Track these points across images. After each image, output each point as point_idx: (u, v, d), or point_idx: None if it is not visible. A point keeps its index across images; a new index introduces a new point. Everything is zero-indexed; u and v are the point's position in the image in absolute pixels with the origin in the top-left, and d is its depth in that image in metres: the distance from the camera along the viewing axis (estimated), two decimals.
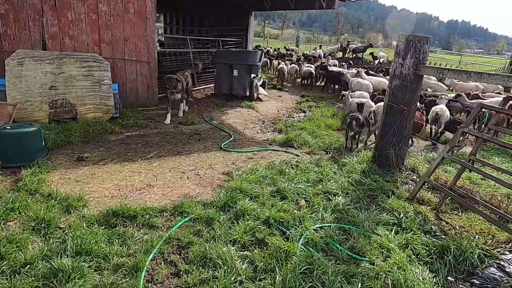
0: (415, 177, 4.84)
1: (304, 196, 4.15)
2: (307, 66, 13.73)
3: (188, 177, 4.56)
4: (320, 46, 21.80)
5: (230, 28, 14.44)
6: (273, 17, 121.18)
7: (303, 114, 9.42)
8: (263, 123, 7.98)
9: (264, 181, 4.44)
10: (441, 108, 7.24)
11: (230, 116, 8.31)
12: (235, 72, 9.30)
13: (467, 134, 4.04)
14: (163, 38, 17.64)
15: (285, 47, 24.80)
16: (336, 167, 5.11)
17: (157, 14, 26.50)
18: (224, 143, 6.09)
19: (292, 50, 22.90)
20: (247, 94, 9.58)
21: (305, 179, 4.56)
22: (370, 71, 12.80)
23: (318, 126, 7.58)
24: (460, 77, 4.08)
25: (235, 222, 3.44)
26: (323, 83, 13.38)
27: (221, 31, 14.67)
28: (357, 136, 6.25)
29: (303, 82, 13.61)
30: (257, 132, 7.16)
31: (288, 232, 3.37)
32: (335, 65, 13.47)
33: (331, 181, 4.56)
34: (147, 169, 4.72)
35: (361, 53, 20.31)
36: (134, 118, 6.98)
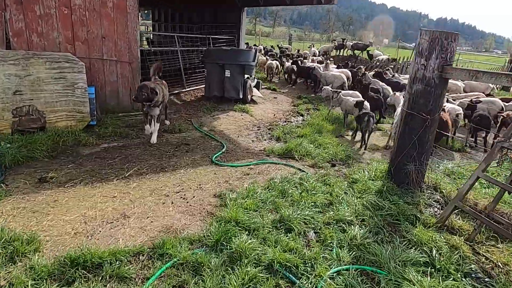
0: (438, 197, 4.16)
1: (313, 226, 3.44)
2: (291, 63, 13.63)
3: (172, 202, 3.80)
4: (313, 45, 21.11)
5: (222, 25, 13.65)
6: (264, 15, 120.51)
7: (301, 117, 8.71)
8: (258, 129, 7.24)
9: (264, 206, 3.71)
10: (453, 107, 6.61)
11: (222, 121, 7.54)
12: (227, 73, 8.53)
13: (506, 150, 3.38)
14: (152, 36, 16.83)
15: (278, 45, 24.07)
16: (346, 185, 4.41)
17: (145, 11, 25.62)
18: (216, 155, 5.34)
19: (286, 49, 22.18)
20: (240, 96, 8.83)
21: (312, 202, 3.84)
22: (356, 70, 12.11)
23: (319, 132, 6.88)
24: (498, 81, 3.41)
25: (230, 268, 2.70)
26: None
27: (212, 28, 13.86)
28: (368, 135, 6.43)
29: (285, 77, 13.74)
30: (253, 141, 6.42)
31: (298, 282, 2.65)
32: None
33: (343, 205, 3.85)
34: (124, 192, 3.94)
35: (360, 51, 19.70)
36: (114, 126, 6.17)
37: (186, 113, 7.90)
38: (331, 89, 8.50)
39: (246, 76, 8.84)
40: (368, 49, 19.28)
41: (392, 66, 14.09)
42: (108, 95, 6.97)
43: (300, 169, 5.02)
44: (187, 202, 3.82)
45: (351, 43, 20.11)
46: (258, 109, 8.95)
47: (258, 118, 8.14)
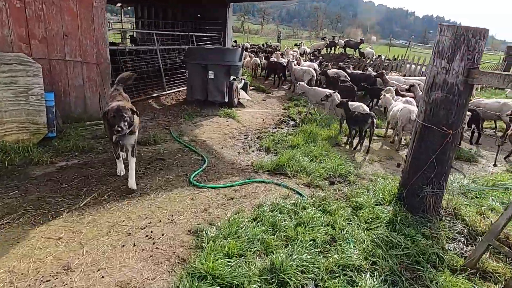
0: (461, 227, 3.46)
1: (313, 276, 2.69)
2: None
3: (134, 244, 3.00)
4: (302, 43, 20.35)
5: (207, 22, 12.79)
6: (252, 12, 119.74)
7: (293, 123, 7.96)
8: (246, 138, 6.46)
9: (250, 248, 2.94)
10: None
11: (205, 129, 6.74)
12: (211, 74, 7.72)
13: None
14: (135, 34, 15.97)
15: (266, 43, 23.30)
16: (349, 211, 3.67)
17: (128, 7, 24.49)
18: (195, 173, 4.55)
19: (277, 47, 21.44)
20: (226, 100, 8.03)
21: (311, 240, 3.09)
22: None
23: (313, 141, 6.14)
24: None
25: None
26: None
27: (196, 25, 13.00)
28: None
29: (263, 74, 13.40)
30: (239, 152, 5.64)
31: None
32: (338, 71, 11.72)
33: (349, 242, 3.11)
34: (73, 231, 3.12)
35: (352, 49, 19.05)
36: (77, 139, 5.32)
37: (165, 120, 7.06)
38: (306, 85, 8.41)
39: (232, 77, 8.05)
40: (360, 47, 18.64)
41: (387, 65, 13.48)
42: (73, 101, 6.09)
43: (293, 190, 4.27)
44: (154, 243, 3.02)
45: (343, 41, 19.43)
46: (246, 114, 8.17)
47: (245, 124, 7.35)
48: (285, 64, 11.74)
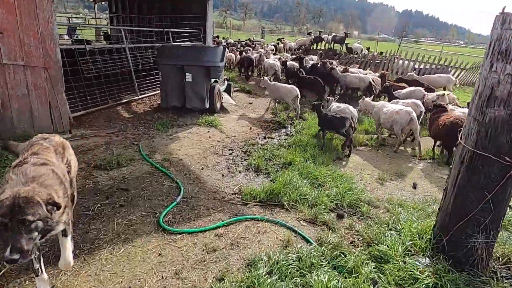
0: None
1: None
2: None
3: None
4: (283, 38, 19.36)
5: (185, 16, 11.63)
6: (234, 7, 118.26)
7: (284, 130, 7.00)
8: (231, 153, 5.45)
9: None
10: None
11: (183, 142, 5.69)
12: (188, 77, 6.65)
13: None
14: (109, 31, 14.69)
15: (250, 39, 22.24)
16: (372, 267, 2.74)
17: (102, 2, 22.96)
18: (166, 210, 3.52)
19: (259, 42, 20.41)
20: (207, 106, 6.98)
21: None
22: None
23: (311, 156, 5.20)
24: None
25: None
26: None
27: (174, 20, 11.82)
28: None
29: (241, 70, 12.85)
30: (223, 175, 4.63)
31: None
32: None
33: None
34: None
35: (340, 45, 18.18)
36: None
37: (134, 133, 5.96)
38: (270, 81, 8.07)
39: (213, 80, 7.00)
40: (347, 42, 17.82)
41: (379, 61, 12.69)
42: (15, 116, 4.93)
43: (295, 231, 3.31)
44: None
45: (329, 36, 18.53)
46: (230, 121, 7.15)
47: (230, 135, 6.34)
48: (252, 58, 11.93)
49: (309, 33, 19.97)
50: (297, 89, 7.51)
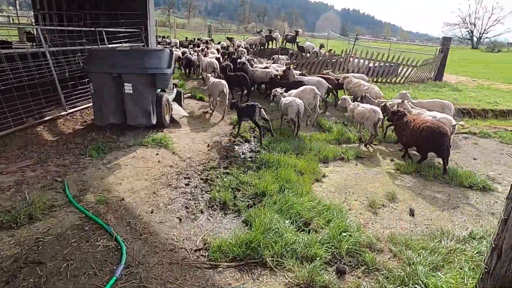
0: None
1: None
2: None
3: None
4: (232, 38, 18.42)
5: (124, 13, 10.12)
6: (177, 6, 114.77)
7: (248, 145, 6.06)
8: (188, 184, 4.37)
9: None
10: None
11: (124, 173, 4.48)
12: (128, 88, 5.41)
13: None
14: (34, 30, 12.51)
15: (198, 38, 20.90)
16: None
17: None
18: None
19: (209, 42, 19.19)
20: (153, 121, 5.79)
21: None
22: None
23: (288, 181, 4.32)
24: None
25: None
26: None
27: (109, 18, 10.25)
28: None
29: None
30: (180, 219, 3.56)
31: None
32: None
33: None
34: None
35: (291, 44, 17.58)
36: None
37: (58, 164, 4.60)
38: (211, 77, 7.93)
39: (159, 89, 5.82)
40: (298, 40, 17.32)
41: (335, 61, 12.23)
42: None
43: None
44: None
45: (280, 35, 17.81)
46: (183, 137, 6.03)
47: (184, 156, 5.24)
48: (191, 58, 11.65)
49: (259, 32, 19.16)
50: (225, 84, 7.33)
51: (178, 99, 7.48)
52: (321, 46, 15.60)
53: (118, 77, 5.37)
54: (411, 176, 5.02)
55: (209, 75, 8.19)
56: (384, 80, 12.77)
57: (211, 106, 7.80)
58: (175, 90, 7.45)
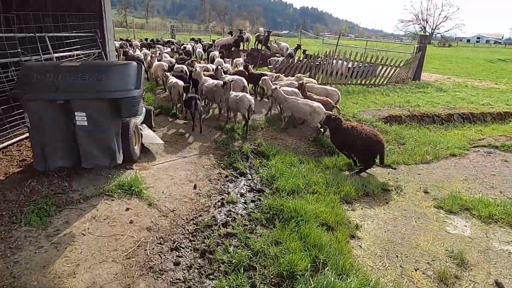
0: None
1: None
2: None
3: None
4: (200, 40, 16.93)
5: (74, 14, 8.36)
6: (134, 5, 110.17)
7: (244, 180, 4.77)
8: (177, 262, 3.02)
9: None
10: None
11: (80, 251, 3.04)
12: (81, 118, 3.91)
13: None
14: None
15: (161, 39, 19.14)
16: None
17: None
18: None
19: (172, 43, 17.54)
20: (119, 160, 4.32)
21: None
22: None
23: (319, 249, 3.11)
24: None
25: None
26: None
27: (56, 19, 8.45)
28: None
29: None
30: None
31: None
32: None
33: None
34: None
35: (263, 44, 16.35)
36: None
37: None
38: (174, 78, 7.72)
39: (126, 117, 4.35)
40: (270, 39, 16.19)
41: (318, 63, 11.18)
42: None
43: None
44: None
45: (250, 35, 16.57)
46: (161, 176, 4.62)
47: (166, 209, 3.86)
48: (142, 60, 11.06)
49: (230, 33, 17.83)
50: (181, 84, 7.09)
51: (147, 121, 6.02)
52: (298, 47, 14.52)
53: (65, 104, 3.85)
54: (459, 217, 4.00)
55: (168, 73, 8.20)
56: (367, 82, 11.97)
57: (180, 111, 7.46)
58: (144, 109, 5.96)
